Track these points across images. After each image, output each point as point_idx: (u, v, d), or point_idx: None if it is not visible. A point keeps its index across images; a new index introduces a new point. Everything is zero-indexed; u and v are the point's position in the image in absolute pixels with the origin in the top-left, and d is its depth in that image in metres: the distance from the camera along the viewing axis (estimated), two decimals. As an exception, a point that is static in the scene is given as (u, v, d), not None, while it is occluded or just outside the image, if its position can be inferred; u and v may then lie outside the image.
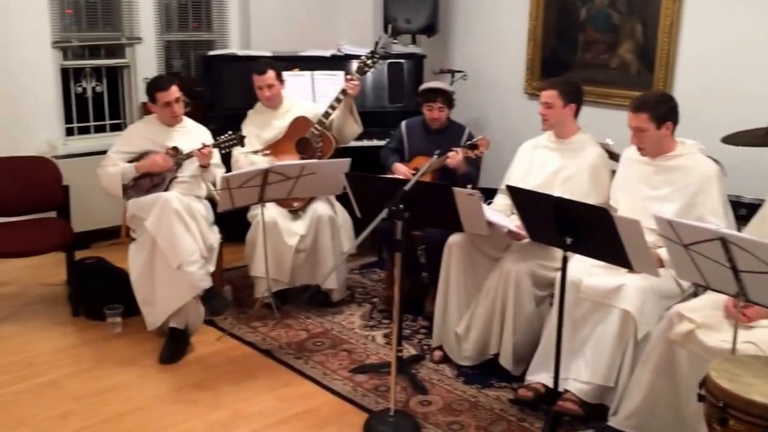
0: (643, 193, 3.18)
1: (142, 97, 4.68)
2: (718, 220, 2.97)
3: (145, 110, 4.24)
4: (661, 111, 3.05)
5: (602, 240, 2.69)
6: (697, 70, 4.18)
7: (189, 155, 3.76)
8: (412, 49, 5.31)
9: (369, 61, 4.12)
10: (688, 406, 2.63)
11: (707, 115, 3.99)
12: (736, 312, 2.45)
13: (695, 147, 3.16)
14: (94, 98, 5.04)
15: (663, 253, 2.79)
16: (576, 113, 3.49)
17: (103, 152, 3.95)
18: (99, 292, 3.86)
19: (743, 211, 3.30)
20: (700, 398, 2.28)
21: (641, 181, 3.21)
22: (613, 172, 3.46)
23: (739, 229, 2.94)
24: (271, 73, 4.04)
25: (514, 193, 3.01)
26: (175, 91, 3.81)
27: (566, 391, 3.01)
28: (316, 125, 4.05)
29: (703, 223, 2.55)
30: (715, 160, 3.17)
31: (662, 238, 2.60)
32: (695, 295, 2.98)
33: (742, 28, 3.98)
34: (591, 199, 3.30)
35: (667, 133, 3.08)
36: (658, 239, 2.76)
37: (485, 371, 3.39)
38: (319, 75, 4.87)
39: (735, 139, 3.52)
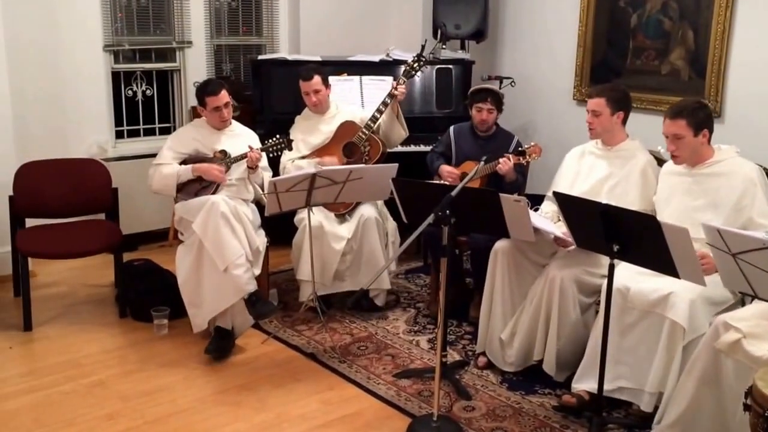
0: (687, 205, 3.13)
1: (192, 101, 4.77)
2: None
3: (195, 114, 4.31)
4: (699, 118, 3.02)
5: (649, 248, 2.65)
6: (749, 77, 4.08)
7: (238, 158, 3.81)
8: (460, 54, 5.29)
9: (415, 65, 4.12)
10: (733, 417, 2.58)
11: (760, 121, 3.90)
12: None
13: (732, 151, 3.12)
14: (144, 102, 5.16)
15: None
16: (624, 120, 3.45)
17: (153, 155, 4.03)
18: (146, 294, 3.94)
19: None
20: (746, 408, 2.24)
21: (683, 194, 3.16)
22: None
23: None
24: (317, 79, 4.08)
25: (561, 199, 2.98)
26: (224, 96, 3.87)
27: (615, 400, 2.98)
28: (363, 129, 4.06)
29: (753, 232, 2.49)
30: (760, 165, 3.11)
31: (710, 247, 2.54)
32: (743, 302, 2.91)
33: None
34: (638, 207, 3.26)
35: (704, 140, 3.05)
36: (703, 248, 2.70)
37: (529, 378, 3.37)
38: (368, 80, 4.89)
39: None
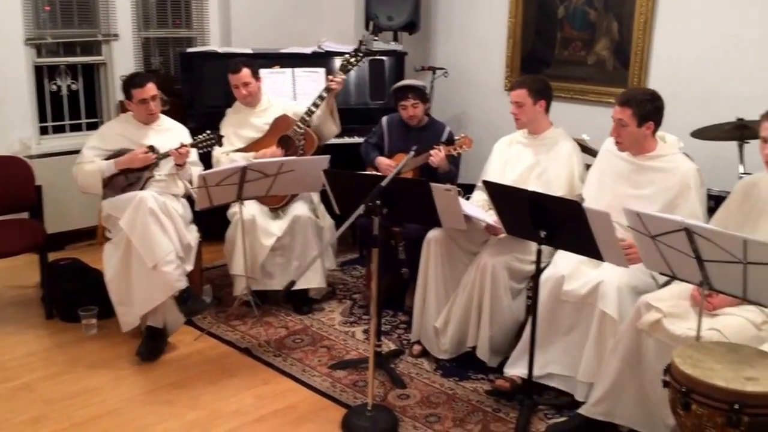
0: (624, 191, 3.19)
1: (120, 96, 4.65)
2: (697, 221, 2.98)
3: (123, 108, 4.21)
4: (646, 109, 3.04)
5: (574, 232, 2.72)
6: (669, 66, 4.22)
7: (166, 154, 3.73)
8: (393, 46, 5.31)
9: (353, 59, 4.11)
10: (654, 393, 2.67)
11: (678, 110, 4.03)
12: (701, 300, 2.49)
13: (675, 146, 3.18)
14: (69, 96, 5.00)
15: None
16: (546, 109, 3.52)
17: (79, 151, 3.90)
18: (73, 294, 3.82)
19: (711, 203, 3.34)
20: (665, 384, 2.32)
21: (622, 179, 3.22)
22: (588, 166, 3.48)
23: (707, 222, 2.98)
24: (246, 71, 4.03)
25: (490, 188, 3.03)
26: (151, 88, 3.78)
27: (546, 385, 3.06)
28: (299, 123, 4.03)
29: (670, 215, 2.58)
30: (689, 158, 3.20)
31: (632, 231, 2.62)
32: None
33: (714, 25, 4.03)
34: (564, 192, 3.33)
35: (647, 132, 3.09)
36: (627, 232, 2.79)
37: (463, 364, 3.41)
38: (300, 72, 4.86)
39: (703, 134, 3.59)
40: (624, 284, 2.92)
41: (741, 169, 3.52)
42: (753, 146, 3.42)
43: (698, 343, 2.44)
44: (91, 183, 3.74)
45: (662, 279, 3.00)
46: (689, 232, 2.37)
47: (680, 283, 2.71)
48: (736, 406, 2.11)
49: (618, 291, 2.90)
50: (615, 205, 3.08)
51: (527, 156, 3.53)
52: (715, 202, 3.33)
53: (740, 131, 3.52)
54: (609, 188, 3.25)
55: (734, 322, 2.59)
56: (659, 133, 3.18)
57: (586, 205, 2.72)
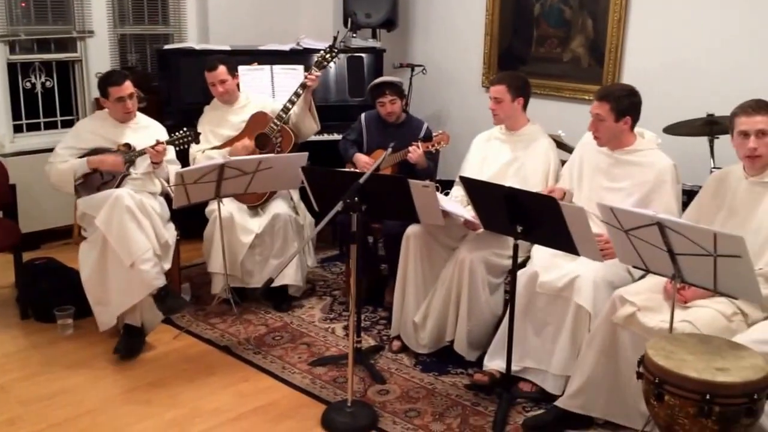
0: (601, 184, 3.24)
1: (95, 93, 4.59)
2: (672, 216, 3.03)
3: (98, 106, 4.16)
4: (623, 104, 3.09)
5: (550, 227, 2.76)
6: (643, 63, 4.28)
7: (142, 152, 3.71)
8: (371, 43, 5.32)
9: (328, 55, 4.11)
10: (629, 385, 2.72)
11: (651, 107, 4.09)
12: (673, 293, 2.54)
13: (653, 142, 3.23)
14: (44, 94, 4.95)
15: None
16: (524, 106, 3.55)
17: (54, 150, 3.87)
18: (49, 294, 3.79)
19: (684, 197, 3.40)
20: (639, 376, 2.36)
21: (600, 172, 3.27)
22: (563, 162, 3.52)
23: (681, 216, 3.03)
24: (222, 69, 4.01)
25: (467, 183, 3.05)
26: (128, 87, 3.75)
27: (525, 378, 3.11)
28: (275, 120, 4.03)
29: (642, 209, 2.62)
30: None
31: (606, 225, 2.66)
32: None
33: (685, 24, 4.09)
34: (541, 188, 3.37)
35: (625, 127, 3.13)
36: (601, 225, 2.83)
37: (442, 359, 3.44)
38: (279, 69, 4.84)
39: (675, 130, 3.65)
40: (600, 278, 2.96)
41: (712, 164, 3.58)
42: (723, 141, 3.49)
43: (671, 335, 2.49)
44: (64, 182, 3.71)
45: (638, 273, 3.06)
46: (661, 226, 2.41)
47: (654, 277, 2.77)
48: (708, 397, 2.16)
49: (594, 285, 2.94)
50: (593, 197, 3.14)
51: (505, 152, 3.56)
52: (687, 196, 3.39)
53: (710, 127, 3.58)
54: (587, 181, 3.29)
55: (706, 314, 2.64)
56: (638, 129, 3.23)
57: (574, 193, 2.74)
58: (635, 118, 3.14)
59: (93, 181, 3.69)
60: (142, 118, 3.94)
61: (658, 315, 2.67)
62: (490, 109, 3.53)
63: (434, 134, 3.85)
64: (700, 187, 3.06)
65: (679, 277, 2.51)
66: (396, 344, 3.56)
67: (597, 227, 2.90)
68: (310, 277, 4.33)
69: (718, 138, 3.60)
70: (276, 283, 3.72)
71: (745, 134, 2.71)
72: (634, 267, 2.77)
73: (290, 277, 3.95)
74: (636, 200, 3.10)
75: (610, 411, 2.85)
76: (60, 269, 4.02)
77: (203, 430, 2.92)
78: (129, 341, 3.48)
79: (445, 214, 3.20)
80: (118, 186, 3.65)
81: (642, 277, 3.03)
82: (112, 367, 3.37)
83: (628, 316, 2.70)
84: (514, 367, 3.04)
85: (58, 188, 3.76)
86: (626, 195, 3.13)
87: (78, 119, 4.97)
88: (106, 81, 3.76)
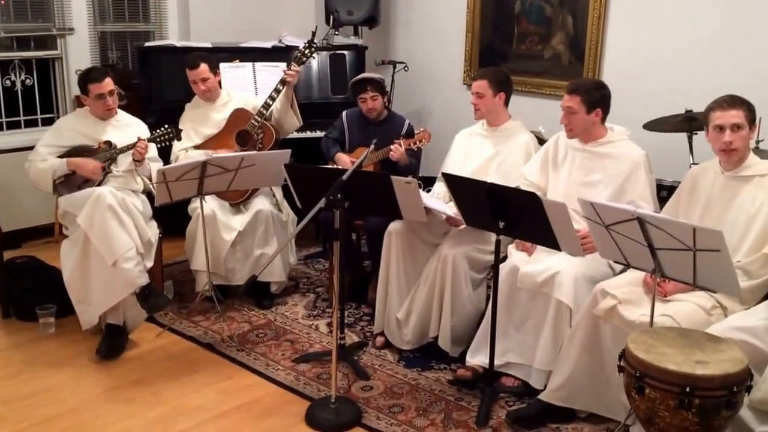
0: (577, 179, 3.27)
1: (76, 91, 4.57)
2: (647, 204, 3.09)
3: (79, 103, 4.14)
4: (594, 97, 3.15)
5: (532, 223, 2.78)
6: (622, 60, 4.33)
7: (123, 150, 3.68)
8: (354, 40, 5.32)
9: (306, 51, 4.10)
10: (612, 378, 2.75)
11: (631, 103, 4.15)
12: (654, 287, 2.58)
13: (624, 134, 3.28)
14: (24, 92, 4.89)
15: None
16: (506, 102, 3.58)
17: (34, 148, 3.83)
18: (30, 292, 3.76)
19: (664, 193, 3.46)
20: (620, 369, 2.39)
21: (575, 167, 3.30)
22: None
23: (659, 211, 3.07)
24: (204, 67, 4.00)
25: (449, 180, 3.07)
26: (108, 84, 3.72)
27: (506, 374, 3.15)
28: (256, 116, 4.02)
29: (623, 205, 2.66)
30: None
31: (587, 220, 2.69)
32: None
33: (664, 20, 4.14)
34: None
35: (596, 119, 3.18)
36: (582, 220, 2.86)
37: (425, 354, 3.46)
38: (261, 66, 4.83)
39: (655, 126, 3.69)
40: (580, 274, 2.99)
41: (691, 159, 3.63)
42: (702, 137, 3.51)
43: (651, 328, 2.52)
44: (42, 180, 3.68)
45: (619, 268, 3.09)
46: (641, 221, 2.44)
47: (635, 271, 2.80)
48: (688, 389, 2.19)
49: (574, 281, 2.96)
50: (571, 192, 3.16)
51: (487, 147, 3.59)
52: (667, 192, 3.44)
53: (689, 123, 3.63)
54: (563, 177, 3.32)
55: (685, 307, 2.68)
56: (607, 124, 3.27)
57: (542, 196, 2.77)
58: (605, 111, 3.20)
59: (74, 180, 3.66)
60: (123, 116, 3.91)
61: (638, 308, 2.70)
62: (472, 104, 3.56)
63: (416, 132, 3.86)
64: (680, 182, 3.11)
65: (659, 271, 2.54)
66: (379, 340, 3.58)
67: (575, 223, 2.93)
68: (294, 275, 4.33)
69: (696, 134, 3.65)
70: (260, 279, 3.72)
71: (721, 128, 2.75)
72: (615, 262, 2.80)
73: (275, 273, 3.94)
74: (613, 191, 3.15)
75: (593, 404, 2.88)
76: (41, 268, 3.99)
77: (187, 428, 2.91)
78: (111, 342, 3.46)
79: (428, 210, 3.21)
80: (99, 184, 3.63)
81: (623, 271, 3.06)
82: (95, 366, 3.36)
83: (609, 309, 2.73)
84: (496, 362, 3.06)
85: (37, 186, 3.74)
86: (603, 187, 3.18)
87: (58, 117, 4.93)
88: (86, 78, 3.73)
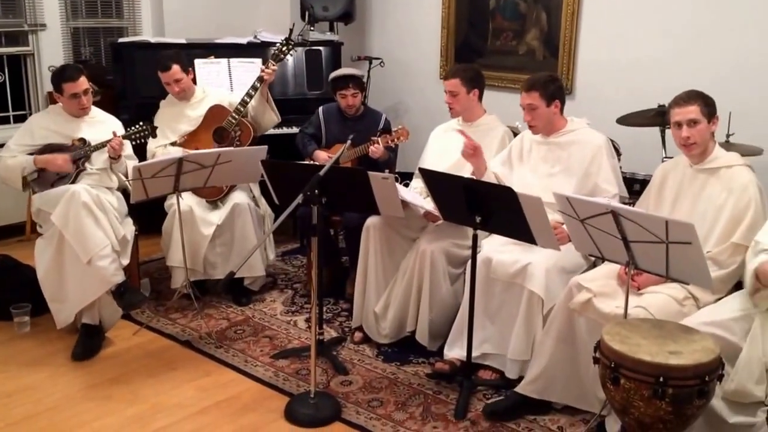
0: (544, 171, 3.32)
1: (48, 87, 4.51)
2: (611, 186, 3.18)
3: (51, 100, 4.09)
4: (550, 90, 3.23)
5: (508, 217, 2.81)
6: (596, 56, 4.38)
7: (97, 147, 3.65)
8: (329, 36, 5.32)
9: (284, 48, 4.09)
10: (587, 370, 2.80)
11: (604, 98, 4.21)
12: (627, 279, 2.62)
13: (583, 122, 3.36)
14: (-5, 88, 4.84)
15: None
16: (480, 97, 3.61)
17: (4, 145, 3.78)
18: (4, 291, 3.72)
19: (637, 186, 3.52)
20: (595, 361, 2.43)
21: (540, 160, 3.35)
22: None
23: (632, 204, 3.12)
24: (175, 68, 3.96)
25: (426, 175, 3.09)
26: (83, 83, 3.67)
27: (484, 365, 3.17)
28: (233, 113, 4.00)
29: (598, 198, 2.70)
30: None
31: (562, 214, 2.73)
32: (594, 265, 3.14)
33: (637, 16, 4.20)
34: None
35: (556, 111, 3.27)
36: (556, 213, 2.90)
37: (404, 349, 3.48)
38: (236, 62, 4.82)
39: (628, 120, 3.75)
40: (552, 265, 3.02)
41: (663, 153, 3.69)
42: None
43: (626, 320, 2.57)
44: (11, 177, 3.65)
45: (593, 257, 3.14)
46: (615, 214, 2.48)
47: (610, 264, 2.85)
48: (661, 379, 2.24)
49: (546, 272, 3.00)
50: (541, 185, 3.20)
51: (462, 142, 3.59)
52: (640, 185, 3.49)
53: (661, 117, 3.68)
54: (531, 172, 3.36)
55: (658, 299, 2.73)
56: (567, 117, 3.35)
57: (517, 189, 2.80)
58: (563, 102, 3.29)
59: (47, 177, 3.63)
60: (97, 113, 3.87)
61: (613, 301, 2.74)
62: (446, 103, 3.59)
63: (393, 129, 3.88)
64: (652, 176, 3.15)
65: (633, 263, 2.59)
66: (358, 335, 3.59)
67: (549, 214, 2.96)
68: (271, 271, 4.33)
69: (669, 128, 3.69)
70: (240, 274, 3.71)
71: (679, 124, 2.82)
72: (590, 255, 2.84)
73: (254, 268, 3.94)
74: (579, 177, 3.21)
75: (568, 396, 2.92)
76: (15, 266, 3.93)
77: (165, 425, 2.90)
78: (87, 342, 3.43)
79: (405, 205, 3.23)
80: (73, 182, 3.59)
81: (594, 264, 3.11)
82: (71, 365, 3.33)
83: (585, 302, 2.77)
84: (473, 354, 3.08)
85: (6, 183, 3.70)
86: (569, 175, 3.24)
87: (31, 114, 4.86)
88: (60, 76, 3.68)
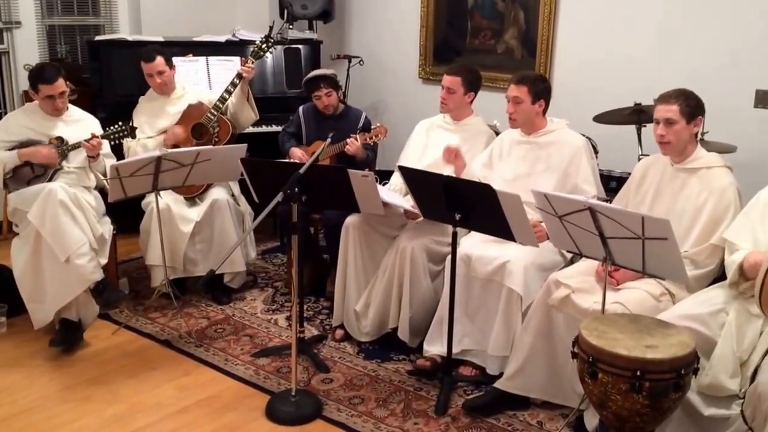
0: (524, 170, 3.35)
1: (24, 85, 4.45)
2: (591, 187, 3.22)
3: (27, 98, 4.03)
4: (539, 88, 3.27)
5: (487, 215, 2.83)
6: (573, 54, 4.43)
7: (75, 146, 3.61)
8: (308, 35, 5.31)
9: (264, 46, 4.09)
10: (565, 366, 2.83)
11: (581, 96, 4.26)
12: (605, 275, 2.66)
13: (563, 123, 3.40)
14: (-31, 87, 4.77)
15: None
16: (472, 101, 3.66)
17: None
18: (-21, 292, 3.67)
19: (613, 184, 3.57)
20: (574, 355, 2.46)
21: (519, 159, 3.38)
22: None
23: (610, 201, 3.16)
24: (159, 60, 3.95)
25: (406, 172, 3.10)
26: (60, 85, 3.61)
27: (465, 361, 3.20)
28: (212, 110, 3.99)
29: (575, 195, 2.73)
30: (585, 136, 3.41)
31: (540, 211, 2.76)
32: (572, 262, 3.18)
33: (615, 15, 4.25)
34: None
35: (539, 110, 3.30)
36: (534, 211, 2.93)
37: (384, 346, 3.49)
38: (214, 61, 4.80)
39: (604, 118, 3.80)
40: (530, 262, 3.05)
41: (640, 151, 3.74)
42: (650, 129, 3.63)
43: (603, 315, 2.60)
44: None
45: (569, 254, 3.17)
46: (593, 211, 2.51)
47: (587, 260, 2.88)
48: (638, 373, 2.27)
49: (524, 269, 3.02)
50: (521, 184, 3.23)
51: (449, 140, 3.61)
52: (617, 182, 3.54)
53: (638, 115, 3.73)
54: (510, 170, 3.39)
55: (635, 295, 2.77)
56: (548, 117, 3.38)
57: (497, 188, 2.82)
58: (547, 103, 3.33)
59: (23, 175, 3.58)
60: (74, 111, 3.84)
61: (591, 297, 2.78)
62: (441, 97, 3.61)
63: (372, 127, 3.89)
64: (629, 173, 3.20)
65: (610, 259, 2.62)
66: (339, 333, 3.59)
67: (528, 212, 2.99)
68: (252, 269, 4.32)
69: (645, 126, 3.76)
70: (221, 270, 3.71)
71: (657, 122, 2.86)
72: (568, 251, 2.87)
73: (234, 264, 3.93)
74: (558, 177, 3.25)
75: (547, 391, 2.95)
76: (-11, 267, 3.89)
77: (145, 425, 2.89)
78: (66, 334, 3.40)
79: (385, 203, 3.24)
80: (49, 180, 3.55)
81: (574, 257, 3.14)
82: (49, 365, 3.30)
83: (563, 298, 2.80)
84: (453, 350, 3.10)
85: None
86: (548, 175, 3.27)
87: (6, 113, 4.80)
88: (38, 77, 3.62)
